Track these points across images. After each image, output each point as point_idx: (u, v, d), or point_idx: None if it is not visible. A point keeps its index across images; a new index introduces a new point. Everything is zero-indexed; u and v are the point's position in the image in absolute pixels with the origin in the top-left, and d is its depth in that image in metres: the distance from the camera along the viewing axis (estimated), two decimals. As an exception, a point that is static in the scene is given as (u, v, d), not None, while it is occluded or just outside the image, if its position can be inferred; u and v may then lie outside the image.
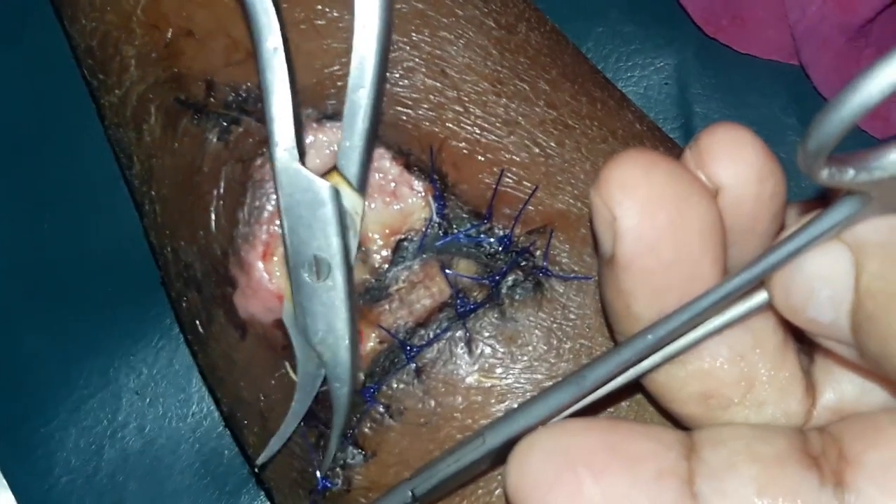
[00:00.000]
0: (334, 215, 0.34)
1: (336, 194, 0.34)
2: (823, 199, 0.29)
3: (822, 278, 0.27)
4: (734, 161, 0.29)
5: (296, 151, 0.34)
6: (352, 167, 0.34)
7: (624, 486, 0.28)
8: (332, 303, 0.34)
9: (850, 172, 0.23)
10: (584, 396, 0.30)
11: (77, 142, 0.52)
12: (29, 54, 0.52)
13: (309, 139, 0.35)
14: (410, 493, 0.32)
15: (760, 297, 0.29)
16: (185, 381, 0.51)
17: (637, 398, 0.34)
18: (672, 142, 0.40)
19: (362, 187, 0.34)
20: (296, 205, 0.34)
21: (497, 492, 0.34)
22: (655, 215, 0.28)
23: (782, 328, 0.30)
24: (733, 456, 0.29)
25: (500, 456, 0.31)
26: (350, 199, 0.34)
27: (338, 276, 0.34)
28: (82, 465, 0.50)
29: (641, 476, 0.28)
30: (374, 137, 0.35)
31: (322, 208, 0.34)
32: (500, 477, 0.34)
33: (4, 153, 0.52)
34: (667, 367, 0.30)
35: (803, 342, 0.31)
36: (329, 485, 0.35)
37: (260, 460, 0.36)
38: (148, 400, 0.51)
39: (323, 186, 0.34)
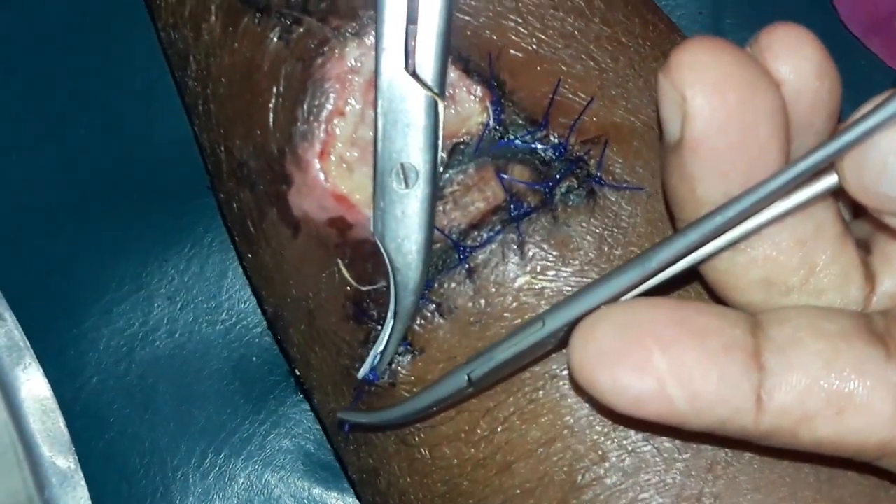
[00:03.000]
0: (430, 125, 0.34)
1: (434, 105, 0.34)
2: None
3: None
4: (795, 56, 0.30)
5: (402, 58, 0.34)
6: (429, 72, 0.35)
7: (692, 357, 0.29)
8: (413, 212, 0.35)
9: None
10: (647, 279, 0.30)
11: (119, 46, 0.52)
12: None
13: (369, 41, 0.36)
14: (467, 378, 0.32)
15: (824, 182, 0.29)
16: (217, 289, 0.52)
17: (680, 294, 0.35)
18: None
19: (442, 92, 0.35)
20: (393, 111, 0.34)
21: (542, 391, 0.35)
22: (726, 96, 0.29)
23: (841, 218, 0.31)
24: (799, 331, 0.29)
25: (560, 341, 0.31)
26: None
27: (424, 186, 0.35)
28: (113, 365, 0.51)
29: (709, 348, 0.29)
30: (449, 41, 0.35)
31: (418, 117, 0.34)
32: (546, 374, 0.35)
33: (45, 53, 0.52)
34: (729, 253, 0.31)
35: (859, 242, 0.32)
36: (375, 378, 0.36)
37: (361, 374, 0.36)
38: (179, 305, 0.52)
39: (421, 95, 0.34)
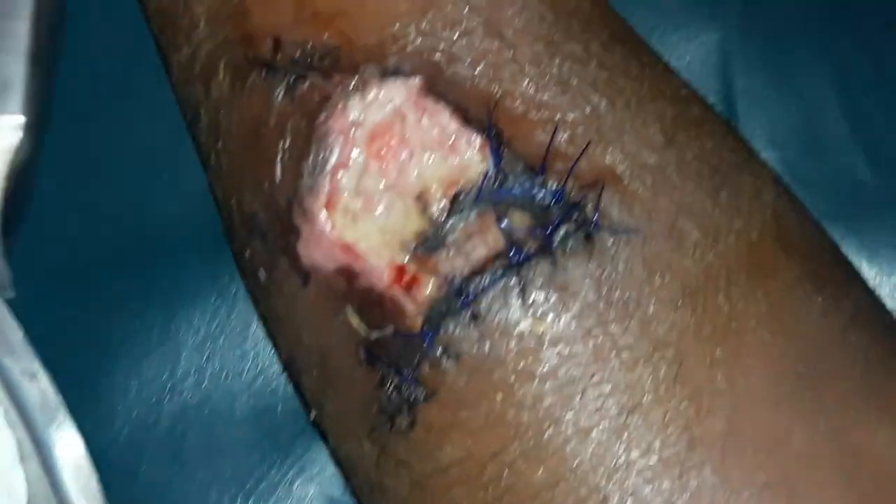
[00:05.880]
0: None
1: None
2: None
3: None
4: None
5: None
6: None
7: None
8: None
9: None
10: None
11: (141, 102, 0.53)
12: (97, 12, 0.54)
13: (371, 95, 0.37)
14: None
15: None
16: (242, 339, 0.53)
17: None
18: (713, 109, 0.41)
19: None
20: None
21: (546, 434, 0.35)
22: None
23: None
24: None
25: None
26: None
27: None
28: (143, 416, 0.52)
29: None
30: None
31: None
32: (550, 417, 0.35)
33: (68, 109, 0.53)
34: None
35: None
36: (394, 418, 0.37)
37: None
38: (206, 356, 0.53)
39: None
